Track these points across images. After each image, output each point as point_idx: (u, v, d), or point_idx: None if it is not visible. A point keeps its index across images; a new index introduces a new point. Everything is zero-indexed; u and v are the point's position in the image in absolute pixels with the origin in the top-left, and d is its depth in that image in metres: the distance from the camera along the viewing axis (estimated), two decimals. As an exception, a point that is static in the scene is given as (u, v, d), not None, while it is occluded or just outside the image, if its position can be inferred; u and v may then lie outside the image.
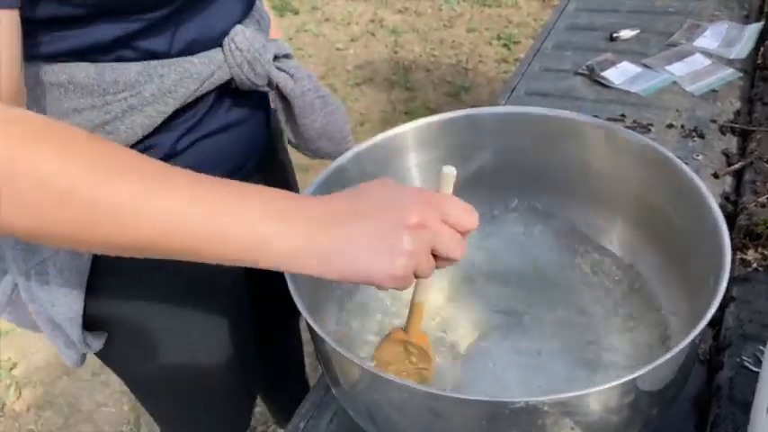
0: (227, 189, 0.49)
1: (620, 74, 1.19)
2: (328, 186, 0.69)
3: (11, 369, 1.86)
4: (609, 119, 1.08)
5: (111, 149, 0.49)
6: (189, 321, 0.85)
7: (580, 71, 1.22)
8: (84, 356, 0.82)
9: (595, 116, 1.04)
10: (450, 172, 0.56)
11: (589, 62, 1.23)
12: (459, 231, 0.53)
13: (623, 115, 1.10)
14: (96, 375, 1.84)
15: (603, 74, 1.19)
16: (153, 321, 0.82)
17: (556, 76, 1.22)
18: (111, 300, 0.78)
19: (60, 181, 0.45)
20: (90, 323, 0.78)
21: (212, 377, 0.92)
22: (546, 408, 0.48)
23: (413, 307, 0.63)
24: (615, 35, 1.30)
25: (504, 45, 3.14)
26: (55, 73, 0.62)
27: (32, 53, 0.60)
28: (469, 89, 2.82)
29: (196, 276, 0.80)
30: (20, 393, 1.81)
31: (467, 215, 0.53)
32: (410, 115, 2.68)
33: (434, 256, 0.52)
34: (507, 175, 0.80)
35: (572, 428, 0.50)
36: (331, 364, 0.58)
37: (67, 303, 0.73)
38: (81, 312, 0.74)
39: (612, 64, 1.21)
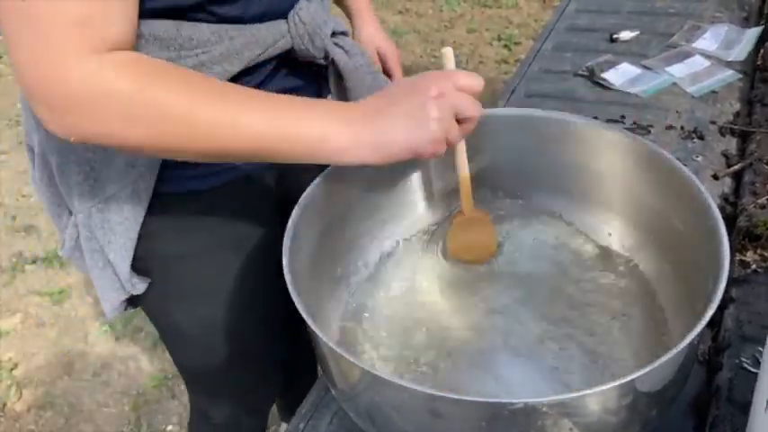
0: (294, 103, 0.64)
1: (620, 75, 1.19)
2: (329, 184, 0.70)
3: (11, 369, 1.87)
4: (609, 120, 1.09)
5: (208, 80, 0.64)
6: (228, 274, 0.90)
7: (580, 72, 1.22)
8: (122, 306, 0.87)
9: (595, 118, 1.05)
10: (448, 50, 0.72)
11: (589, 63, 1.23)
12: (471, 94, 0.65)
13: (623, 117, 1.10)
14: (97, 375, 1.84)
15: (603, 75, 1.19)
16: (194, 269, 0.88)
17: (556, 78, 1.22)
18: (159, 244, 0.83)
19: (179, 108, 0.59)
20: (136, 266, 0.83)
21: (244, 333, 0.96)
22: (545, 409, 0.48)
23: (461, 182, 0.75)
24: (615, 36, 1.30)
25: (505, 46, 3.14)
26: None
27: None
28: (470, 90, 2.81)
29: (238, 231, 0.87)
30: (20, 394, 1.81)
31: (473, 79, 0.66)
32: (410, 116, 2.68)
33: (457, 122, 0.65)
34: (507, 176, 0.80)
35: (571, 429, 0.51)
36: (330, 365, 0.59)
37: (122, 241, 0.80)
38: (132, 252, 0.81)
39: (612, 65, 1.22)
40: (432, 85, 0.63)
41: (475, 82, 0.66)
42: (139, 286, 0.84)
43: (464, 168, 0.74)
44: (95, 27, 0.58)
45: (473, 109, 0.66)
